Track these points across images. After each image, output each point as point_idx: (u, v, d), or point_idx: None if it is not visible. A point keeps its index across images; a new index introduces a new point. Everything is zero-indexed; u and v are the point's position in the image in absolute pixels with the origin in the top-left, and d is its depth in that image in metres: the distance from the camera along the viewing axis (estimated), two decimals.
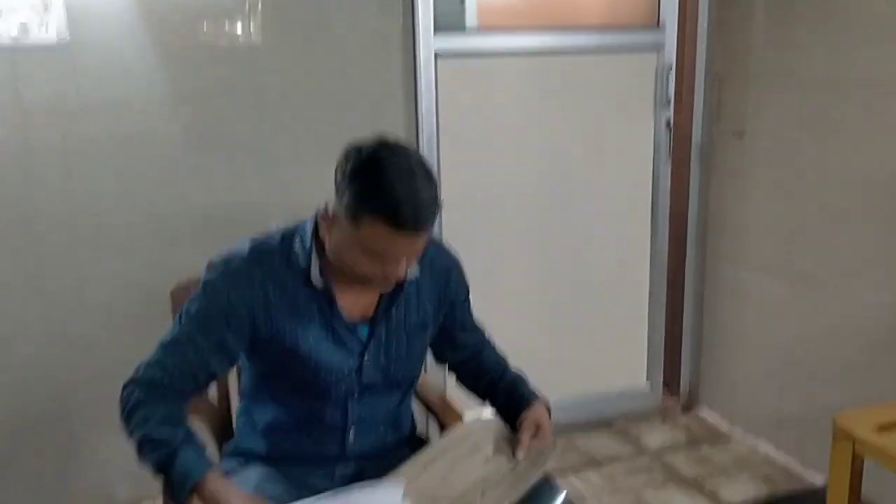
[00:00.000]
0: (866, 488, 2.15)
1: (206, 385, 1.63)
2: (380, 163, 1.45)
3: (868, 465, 2.09)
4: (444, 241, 1.85)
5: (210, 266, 1.62)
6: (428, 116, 2.87)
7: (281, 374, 1.64)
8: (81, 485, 2.72)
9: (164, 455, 1.45)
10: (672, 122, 3.21)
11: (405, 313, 1.67)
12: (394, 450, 1.75)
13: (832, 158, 2.72)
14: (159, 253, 2.62)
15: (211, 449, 1.75)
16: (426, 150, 2.89)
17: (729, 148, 3.15)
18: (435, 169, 2.90)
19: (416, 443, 1.82)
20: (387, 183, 1.43)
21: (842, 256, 2.73)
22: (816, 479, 2.83)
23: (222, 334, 1.56)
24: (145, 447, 1.48)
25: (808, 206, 2.83)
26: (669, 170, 3.27)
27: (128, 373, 1.56)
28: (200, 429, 1.80)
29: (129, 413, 1.51)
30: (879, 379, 2.57)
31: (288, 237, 1.62)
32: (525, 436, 1.66)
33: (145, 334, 1.64)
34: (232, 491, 1.45)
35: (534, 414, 1.70)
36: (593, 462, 3.06)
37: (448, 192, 2.91)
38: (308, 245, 1.59)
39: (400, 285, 1.63)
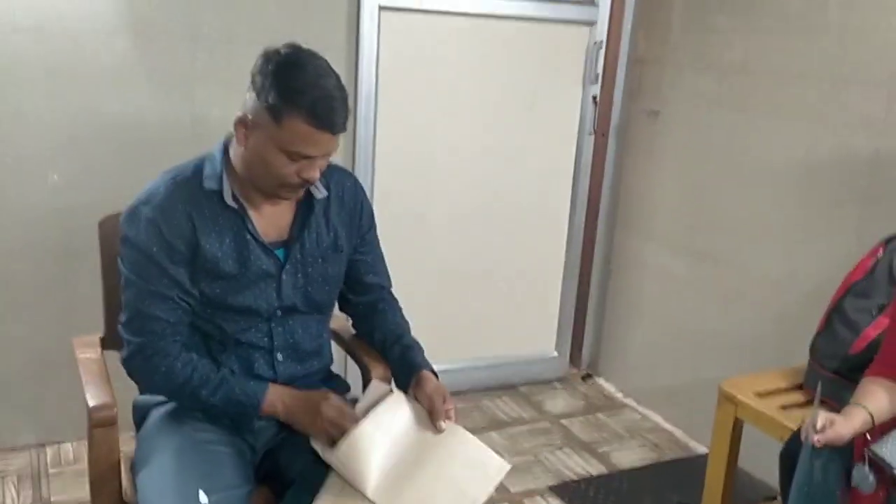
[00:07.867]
0: (743, 462, 2.31)
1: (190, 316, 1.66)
2: (301, 62, 1.55)
3: (746, 438, 2.24)
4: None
5: (131, 213, 1.62)
6: (368, 67, 2.86)
7: (213, 295, 1.65)
8: None
9: (223, 404, 1.62)
10: (598, 98, 3.28)
11: (317, 235, 1.72)
12: (318, 383, 1.80)
13: (738, 140, 2.84)
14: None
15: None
16: (364, 102, 2.89)
17: (644, 126, 3.26)
18: (372, 121, 2.93)
19: (333, 383, 1.85)
20: (310, 81, 1.52)
21: (740, 235, 2.86)
22: (700, 448, 3.00)
23: (171, 272, 1.59)
24: (214, 411, 1.64)
25: (713, 186, 2.96)
26: (592, 144, 3.35)
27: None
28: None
29: (169, 388, 1.64)
30: (765, 352, 2.73)
31: (199, 164, 1.66)
32: (440, 406, 1.64)
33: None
34: (298, 395, 1.63)
35: (437, 385, 1.70)
36: (496, 423, 3.16)
37: (383, 144, 2.96)
38: (219, 168, 1.64)
39: (310, 206, 1.70)
